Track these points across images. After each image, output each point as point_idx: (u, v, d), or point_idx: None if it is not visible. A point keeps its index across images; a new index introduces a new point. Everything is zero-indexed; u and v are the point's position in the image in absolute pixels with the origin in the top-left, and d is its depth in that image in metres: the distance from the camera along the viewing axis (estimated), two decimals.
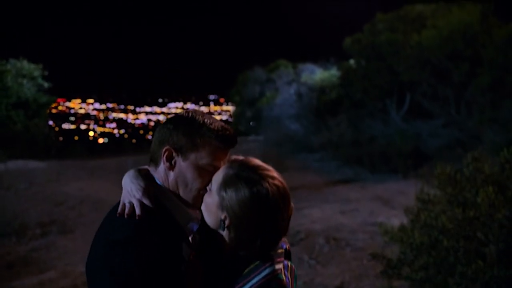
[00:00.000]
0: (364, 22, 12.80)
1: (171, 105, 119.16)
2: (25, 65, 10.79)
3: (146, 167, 1.26)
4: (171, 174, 1.20)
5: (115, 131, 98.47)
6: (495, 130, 9.01)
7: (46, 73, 11.00)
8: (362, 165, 9.63)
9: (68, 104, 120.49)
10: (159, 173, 1.22)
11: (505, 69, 9.27)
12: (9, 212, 6.85)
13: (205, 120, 1.22)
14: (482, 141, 9.93)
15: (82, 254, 6.07)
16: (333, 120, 13.20)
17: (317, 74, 14.40)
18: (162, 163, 1.20)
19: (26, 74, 10.75)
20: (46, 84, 11.00)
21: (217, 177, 1.18)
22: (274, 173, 1.19)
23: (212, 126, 1.20)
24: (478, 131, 9.78)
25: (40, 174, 8.86)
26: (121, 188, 1.24)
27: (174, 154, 1.19)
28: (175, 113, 1.35)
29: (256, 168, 1.19)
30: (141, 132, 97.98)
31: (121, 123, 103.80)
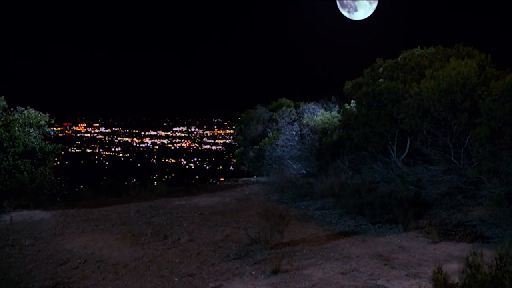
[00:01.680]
0: (365, 60, 13.06)
1: (176, 128, 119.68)
2: (32, 113, 11.03)
3: None
4: None
5: (120, 154, 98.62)
6: (494, 183, 9.09)
7: (52, 121, 11.26)
8: (363, 214, 9.69)
9: (74, 128, 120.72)
10: None
11: (503, 120, 9.39)
12: (14, 273, 6.96)
13: None
14: (481, 189, 10.02)
15: None
16: (335, 162, 13.34)
17: (319, 115, 14.58)
18: None
19: (33, 122, 10.99)
20: (52, 132, 11.23)
21: None
22: None
23: None
24: (477, 181, 9.87)
25: (44, 227, 8.99)
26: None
27: None
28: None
29: None
30: (146, 156, 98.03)
31: (126, 146, 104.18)
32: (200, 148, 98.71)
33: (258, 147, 15.05)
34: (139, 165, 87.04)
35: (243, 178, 14.51)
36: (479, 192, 10.50)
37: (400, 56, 13.10)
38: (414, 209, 9.95)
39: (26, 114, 10.88)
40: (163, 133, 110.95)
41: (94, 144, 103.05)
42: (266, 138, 14.72)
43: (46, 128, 11.19)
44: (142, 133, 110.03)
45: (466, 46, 12.63)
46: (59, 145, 11.17)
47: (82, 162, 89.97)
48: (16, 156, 10.41)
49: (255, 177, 14.64)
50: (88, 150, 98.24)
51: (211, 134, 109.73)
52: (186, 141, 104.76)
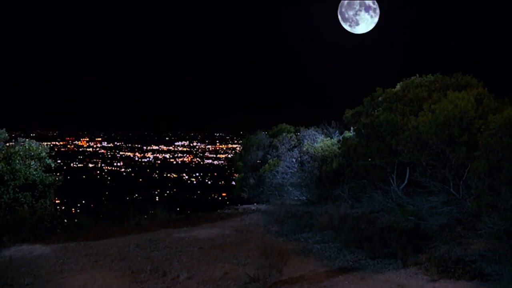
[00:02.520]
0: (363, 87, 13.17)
1: (178, 143, 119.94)
2: (33, 146, 11.11)
3: None
4: None
5: (122, 169, 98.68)
6: (493, 218, 9.09)
7: (53, 153, 11.34)
8: (362, 248, 9.69)
9: (76, 142, 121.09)
10: None
11: (502, 155, 9.41)
12: None
13: None
14: (481, 220, 10.01)
15: None
16: (335, 190, 13.37)
17: (319, 142, 14.64)
18: None
19: (34, 155, 11.06)
20: (53, 164, 11.30)
21: None
22: None
23: None
24: (477, 213, 9.87)
25: (44, 263, 9.01)
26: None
27: None
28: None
29: None
30: (148, 170, 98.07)
31: (128, 161, 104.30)
32: (202, 162, 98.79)
33: (258, 173, 15.09)
34: (141, 180, 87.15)
35: (243, 206, 14.52)
36: (478, 224, 10.49)
37: (399, 84, 13.20)
38: (414, 242, 9.96)
39: (27, 146, 10.95)
40: (165, 148, 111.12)
41: (96, 159, 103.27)
42: (266, 165, 14.77)
43: (47, 160, 11.25)
44: (144, 147, 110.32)
45: (465, 75, 12.74)
46: (59, 177, 11.21)
47: (84, 177, 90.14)
48: (16, 189, 10.46)
49: (255, 204, 14.65)
50: (90, 165, 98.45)
51: (213, 148, 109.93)
52: (188, 155, 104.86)
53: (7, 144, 11.10)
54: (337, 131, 15.44)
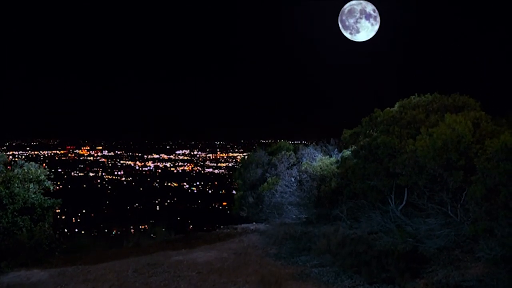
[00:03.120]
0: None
1: (179, 152, 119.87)
2: (32, 169, 11.15)
3: None
4: None
5: (123, 178, 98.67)
6: (490, 244, 9.10)
7: (52, 175, 11.38)
8: (360, 273, 9.69)
9: (77, 151, 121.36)
10: None
11: (499, 180, 9.44)
12: None
13: None
14: (479, 244, 10.01)
15: None
16: (334, 210, 13.39)
17: (317, 160, 14.66)
18: None
19: (33, 178, 11.10)
20: (52, 187, 11.34)
21: None
22: None
23: None
24: (474, 238, 9.88)
25: None
26: None
27: None
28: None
29: None
30: (149, 179, 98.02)
31: (129, 170, 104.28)
32: (202, 171, 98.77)
33: (257, 191, 15.11)
34: (141, 189, 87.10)
35: (242, 225, 14.53)
36: (476, 246, 10.50)
37: (397, 104, 13.27)
38: (411, 265, 9.97)
39: (26, 170, 10.99)
40: (166, 156, 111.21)
41: (97, 168, 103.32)
42: (265, 184, 14.79)
43: (45, 182, 11.29)
44: (145, 156, 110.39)
45: (462, 95, 12.82)
46: (58, 200, 11.24)
47: (84, 186, 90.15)
48: (15, 213, 10.49)
49: (254, 223, 14.66)
50: (91, 174, 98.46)
51: (213, 157, 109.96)
52: (188, 164, 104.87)
53: (8, 167, 11.13)
54: (336, 149, 15.48)
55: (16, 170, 11.06)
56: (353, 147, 13.07)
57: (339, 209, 13.08)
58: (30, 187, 10.97)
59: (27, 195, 10.79)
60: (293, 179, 14.46)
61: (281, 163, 15.34)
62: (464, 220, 10.78)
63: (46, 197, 11.18)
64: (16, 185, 10.70)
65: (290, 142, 17.04)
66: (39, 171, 11.24)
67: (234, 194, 16.30)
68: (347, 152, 14.20)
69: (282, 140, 16.92)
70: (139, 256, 11.18)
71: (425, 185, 10.75)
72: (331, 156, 15.17)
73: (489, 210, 9.63)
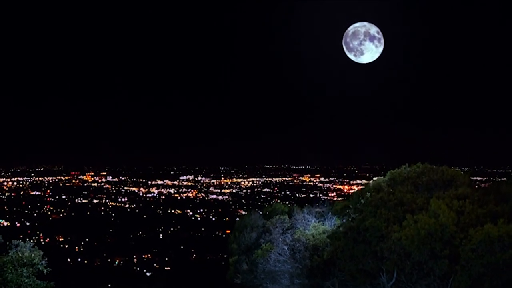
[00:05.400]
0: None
1: (183, 177, 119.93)
2: (26, 254, 11.32)
3: None
4: None
5: (127, 205, 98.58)
6: None
7: (46, 260, 11.54)
8: None
9: (81, 177, 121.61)
10: None
11: (483, 271, 9.56)
12: None
13: None
14: None
15: None
16: (326, 283, 13.47)
17: (310, 227, 14.81)
18: None
19: (26, 262, 11.27)
20: (45, 270, 11.49)
21: None
22: None
23: None
24: None
25: None
26: None
27: None
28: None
29: None
30: (152, 206, 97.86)
31: (133, 196, 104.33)
32: (206, 198, 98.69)
33: (251, 257, 15.23)
34: (145, 216, 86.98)
35: None
36: None
37: (388, 174, 13.50)
38: None
39: (19, 254, 11.17)
40: (169, 182, 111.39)
41: (101, 194, 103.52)
42: (259, 250, 14.92)
43: (39, 266, 11.45)
44: (149, 182, 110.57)
45: (451, 167, 13.05)
46: (51, 283, 11.40)
47: (88, 213, 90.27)
48: None
49: None
50: (95, 201, 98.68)
51: (217, 183, 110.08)
52: (192, 190, 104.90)
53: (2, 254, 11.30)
54: (329, 214, 15.61)
55: (10, 253, 11.24)
56: (344, 219, 13.25)
57: (330, 282, 13.18)
58: (24, 271, 11.13)
59: (20, 280, 10.95)
60: (286, 248, 14.59)
61: (275, 228, 15.48)
62: None
63: (40, 281, 11.32)
64: (10, 271, 10.86)
65: (285, 203, 17.23)
66: (32, 254, 11.41)
67: (229, 259, 16.41)
68: (338, 221, 14.36)
69: (278, 202, 17.10)
70: None
71: (411, 270, 10.86)
72: (325, 220, 15.33)
73: None
